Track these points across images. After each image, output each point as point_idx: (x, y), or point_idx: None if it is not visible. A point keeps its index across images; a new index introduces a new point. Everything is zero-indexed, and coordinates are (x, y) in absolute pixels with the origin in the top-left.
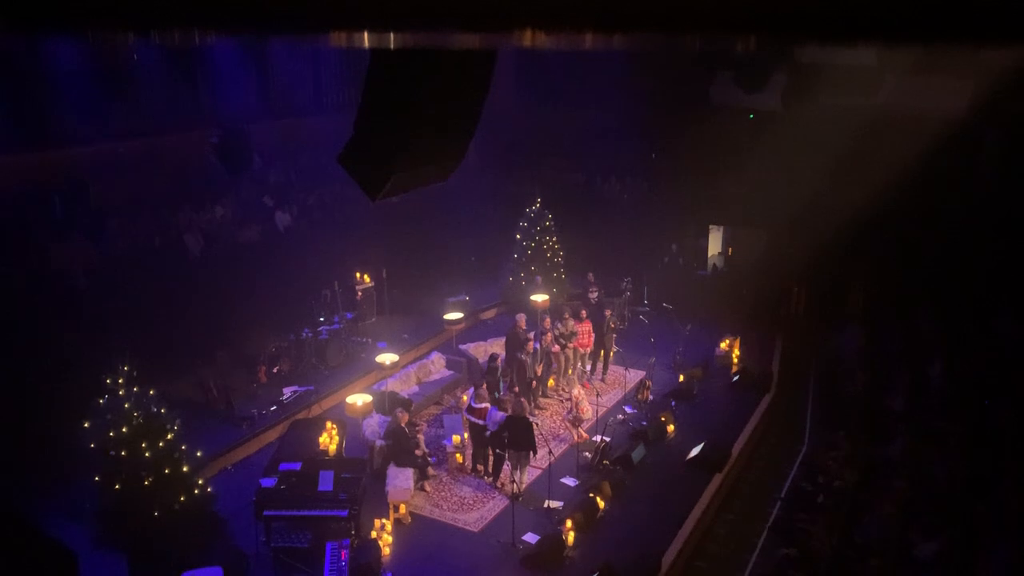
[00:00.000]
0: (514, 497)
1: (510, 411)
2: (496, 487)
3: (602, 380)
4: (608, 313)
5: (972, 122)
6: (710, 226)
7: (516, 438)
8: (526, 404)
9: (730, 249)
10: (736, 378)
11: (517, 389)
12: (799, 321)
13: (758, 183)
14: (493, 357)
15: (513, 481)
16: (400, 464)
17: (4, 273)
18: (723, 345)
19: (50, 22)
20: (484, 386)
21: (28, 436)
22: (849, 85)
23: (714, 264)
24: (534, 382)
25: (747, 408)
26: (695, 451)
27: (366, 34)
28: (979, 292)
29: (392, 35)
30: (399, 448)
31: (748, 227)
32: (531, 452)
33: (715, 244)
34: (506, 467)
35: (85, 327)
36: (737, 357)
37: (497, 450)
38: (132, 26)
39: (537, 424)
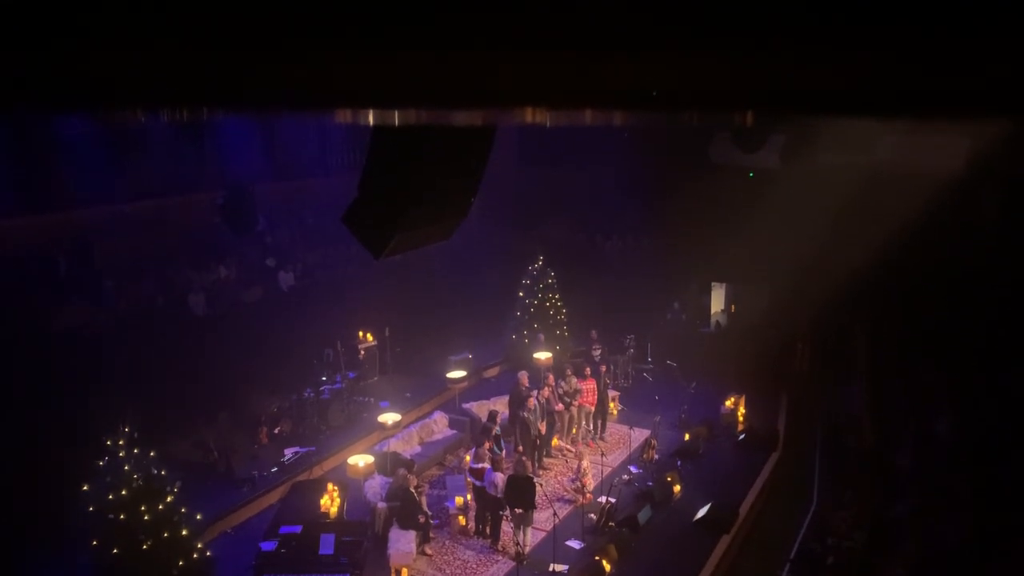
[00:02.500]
0: (518, 559)
1: (511, 470)
2: (498, 550)
3: (602, 438)
4: (604, 369)
5: (969, 179)
6: (712, 283)
7: (515, 497)
8: (527, 463)
9: (733, 306)
10: (742, 436)
11: (521, 448)
12: (804, 378)
13: (759, 240)
14: (492, 416)
15: (516, 543)
16: (404, 526)
17: (6, 334)
18: (728, 403)
19: (62, 103)
20: (485, 446)
21: (27, 498)
22: (846, 144)
23: (717, 321)
24: (537, 440)
25: (754, 467)
26: (702, 512)
27: (371, 112)
28: (984, 346)
29: (396, 113)
30: (405, 510)
31: (750, 284)
32: (532, 511)
33: (718, 301)
34: (509, 529)
35: (87, 388)
36: (743, 415)
37: (498, 511)
38: (142, 105)
39: (541, 485)
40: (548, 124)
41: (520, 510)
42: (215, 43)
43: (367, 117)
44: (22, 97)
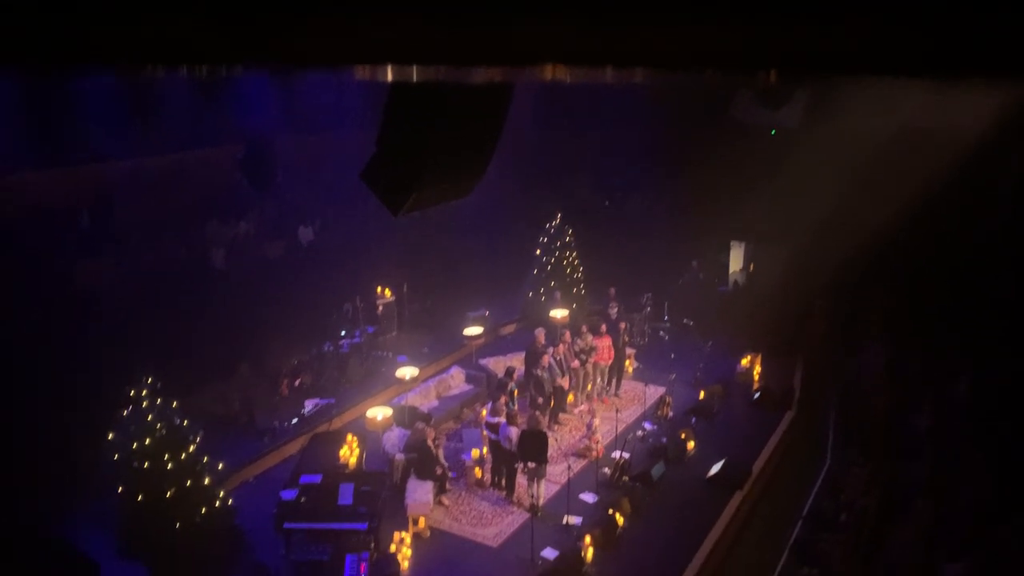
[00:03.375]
0: (532, 511)
1: (525, 425)
2: (512, 501)
3: (616, 395)
4: (623, 326)
5: (996, 139)
6: (732, 242)
7: (529, 451)
8: (541, 419)
9: (751, 265)
10: (757, 396)
11: (540, 401)
12: (821, 338)
13: (780, 199)
14: (508, 372)
15: (531, 496)
16: (422, 477)
17: (31, 288)
18: (744, 362)
19: (80, 61)
20: (501, 400)
21: (53, 448)
22: (871, 102)
23: (735, 280)
24: (552, 398)
25: (768, 426)
26: (715, 469)
27: (389, 68)
28: (1005, 309)
29: (414, 69)
30: (423, 461)
31: (770, 243)
32: (545, 465)
33: (736, 260)
34: (524, 482)
35: (110, 341)
36: (758, 374)
37: (513, 464)
38: (160, 61)
39: (556, 440)
40: (568, 81)
41: (533, 464)
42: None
43: (385, 74)
44: (38, 56)
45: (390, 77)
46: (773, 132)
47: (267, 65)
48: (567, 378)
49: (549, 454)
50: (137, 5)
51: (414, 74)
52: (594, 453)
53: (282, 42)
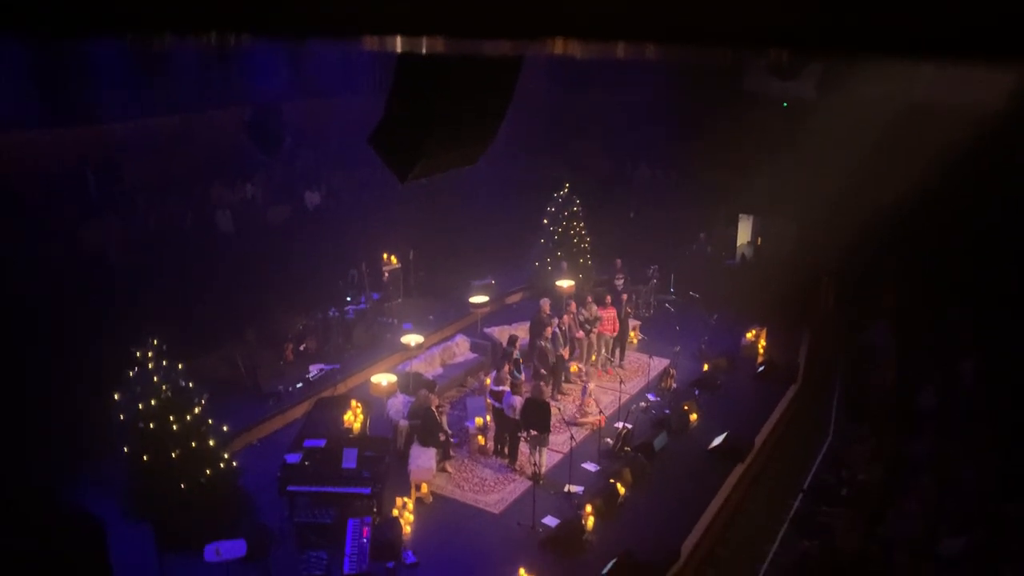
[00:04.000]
0: (534, 478)
1: (528, 394)
2: (515, 469)
3: (620, 366)
4: (625, 298)
5: (1010, 114)
6: (740, 215)
7: (531, 420)
8: (544, 388)
9: (759, 239)
10: (761, 369)
11: (544, 372)
12: (828, 314)
13: (790, 173)
14: (512, 340)
15: (533, 464)
16: (425, 444)
17: (37, 249)
18: (749, 335)
19: (86, 27)
20: (505, 369)
21: (59, 409)
22: (884, 76)
23: (743, 254)
24: (553, 366)
25: (772, 399)
26: (717, 440)
27: (398, 40)
28: (1013, 289)
29: (424, 41)
30: (426, 428)
31: (778, 217)
32: (547, 434)
33: (744, 233)
34: (526, 450)
35: (116, 303)
36: (763, 348)
37: (516, 433)
38: (168, 29)
39: (559, 409)
40: (578, 55)
41: (535, 432)
42: None
43: (394, 45)
44: (43, 21)
45: (399, 49)
46: (785, 104)
47: (272, 35)
48: (567, 348)
49: (552, 423)
50: None
51: (422, 47)
52: (593, 421)
53: (288, 11)
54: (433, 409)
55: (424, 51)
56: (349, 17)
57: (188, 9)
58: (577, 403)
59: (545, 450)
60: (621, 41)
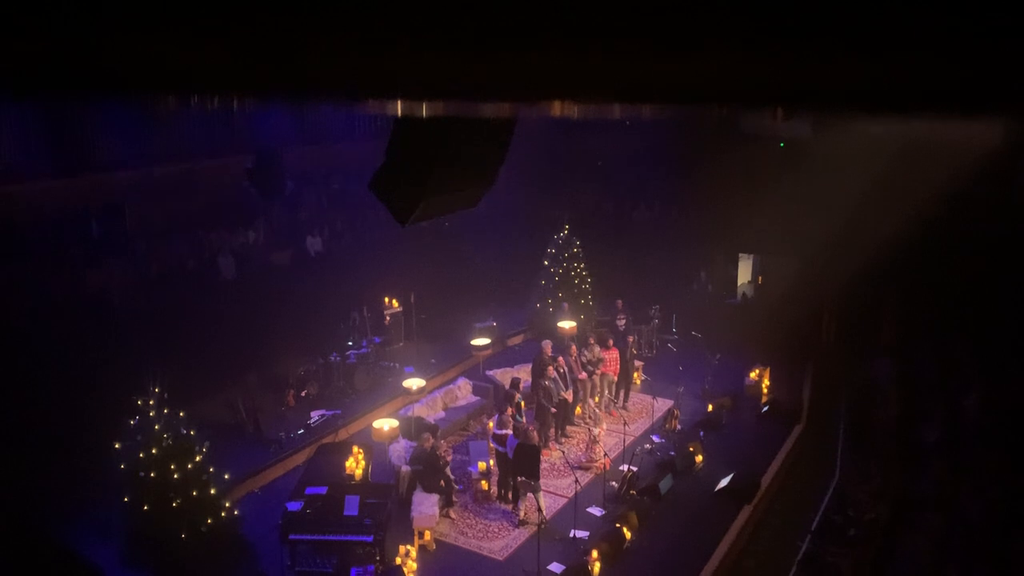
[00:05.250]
0: (521, 523)
1: (521, 439)
2: (518, 514)
3: (624, 407)
4: (631, 339)
5: (1005, 152)
6: (740, 254)
7: (522, 466)
8: (534, 433)
9: (760, 277)
10: (766, 408)
11: (554, 411)
12: (830, 350)
13: (788, 211)
14: (514, 383)
15: (539, 510)
16: (428, 488)
17: (40, 294)
18: (753, 375)
19: (91, 89)
20: (508, 412)
21: (60, 456)
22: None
23: (743, 292)
24: (554, 410)
25: (777, 439)
26: (724, 482)
27: (399, 103)
28: (1014, 320)
29: (424, 104)
30: (429, 471)
31: (778, 255)
32: (538, 480)
33: (745, 272)
34: (531, 495)
35: (118, 348)
36: (767, 387)
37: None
38: (172, 91)
39: (563, 453)
40: (576, 116)
41: (524, 479)
42: (245, 38)
43: (395, 109)
44: (44, 83)
45: (399, 112)
46: (782, 144)
47: (275, 99)
48: (571, 391)
49: (556, 467)
50: (148, 36)
51: (423, 110)
52: (599, 464)
53: (290, 80)
54: (441, 452)
55: (424, 114)
56: (350, 82)
57: (192, 73)
58: (583, 447)
59: (541, 495)
60: (618, 103)
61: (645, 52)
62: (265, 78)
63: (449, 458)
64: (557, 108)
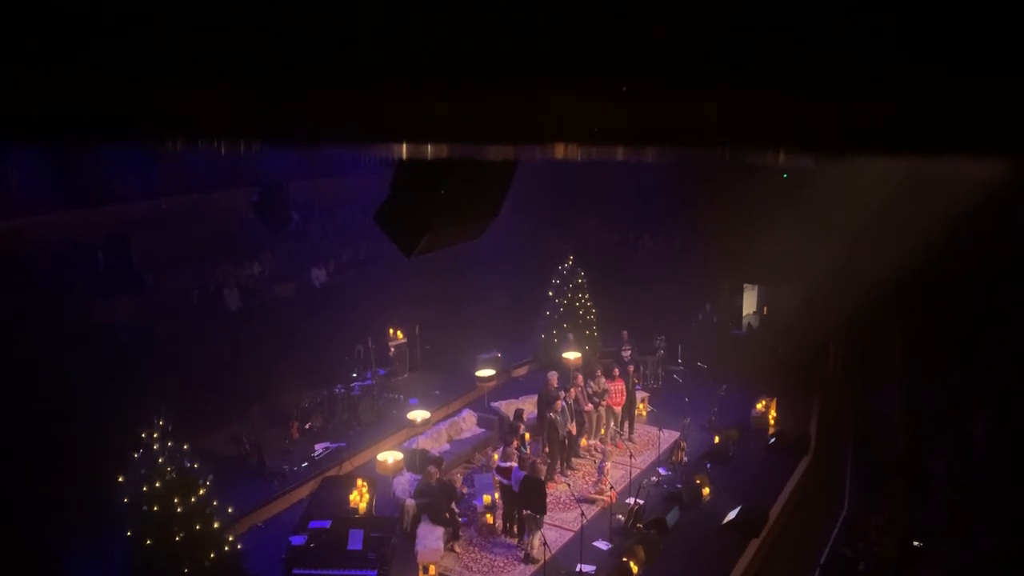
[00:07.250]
0: (527, 560)
1: (527, 472)
2: (524, 548)
3: (630, 439)
4: (631, 370)
5: (1009, 182)
6: (745, 284)
7: (527, 499)
8: (540, 466)
9: (765, 308)
10: (773, 440)
11: (547, 449)
12: (837, 381)
13: (793, 241)
14: (518, 415)
15: (544, 544)
16: (435, 520)
17: (46, 326)
18: (759, 406)
19: (101, 136)
20: (513, 444)
21: (63, 489)
22: None
23: (749, 323)
24: (566, 441)
25: (784, 471)
26: (731, 515)
27: (404, 146)
28: (1021, 350)
29: (429, 147)
30: (438, 501)
31: (783, 285)
32: (542, 515)
33: (750, 303)
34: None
35: (123, 380)
36: (774, 418)
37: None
38: (179, 136)
39: (569, 485)
40: (579, 159)
41: (530, 512)
42: (249, 81)
43: (400, 151)
44: (56, 129)
45: (404, 155)
46: (785, 176)
47: (282, 144)
48: (574, 423)
49: (562, 500)
50: (158, 85)
51: (428, 152)
52: (607, 498)
53: (294, 123)
54: (447, 483)
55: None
56: (357, 127)
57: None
58: (590, 480)
59: (539, 532)
60: (620, 146)
61: (647, 94)
62: (272, 125)
63: (465, 491)
64: (560, 151)
